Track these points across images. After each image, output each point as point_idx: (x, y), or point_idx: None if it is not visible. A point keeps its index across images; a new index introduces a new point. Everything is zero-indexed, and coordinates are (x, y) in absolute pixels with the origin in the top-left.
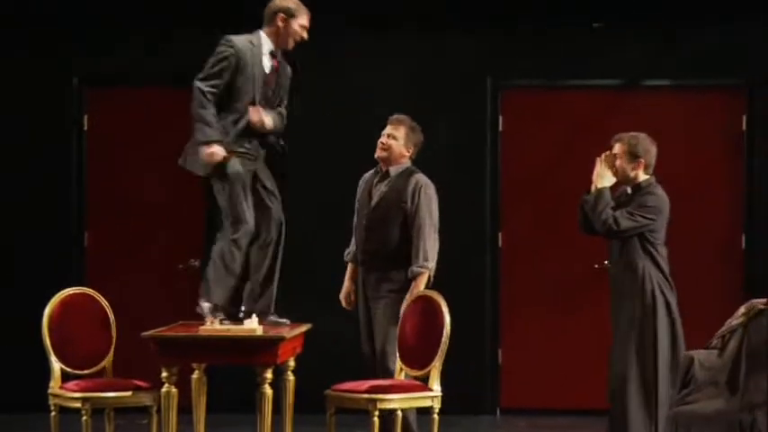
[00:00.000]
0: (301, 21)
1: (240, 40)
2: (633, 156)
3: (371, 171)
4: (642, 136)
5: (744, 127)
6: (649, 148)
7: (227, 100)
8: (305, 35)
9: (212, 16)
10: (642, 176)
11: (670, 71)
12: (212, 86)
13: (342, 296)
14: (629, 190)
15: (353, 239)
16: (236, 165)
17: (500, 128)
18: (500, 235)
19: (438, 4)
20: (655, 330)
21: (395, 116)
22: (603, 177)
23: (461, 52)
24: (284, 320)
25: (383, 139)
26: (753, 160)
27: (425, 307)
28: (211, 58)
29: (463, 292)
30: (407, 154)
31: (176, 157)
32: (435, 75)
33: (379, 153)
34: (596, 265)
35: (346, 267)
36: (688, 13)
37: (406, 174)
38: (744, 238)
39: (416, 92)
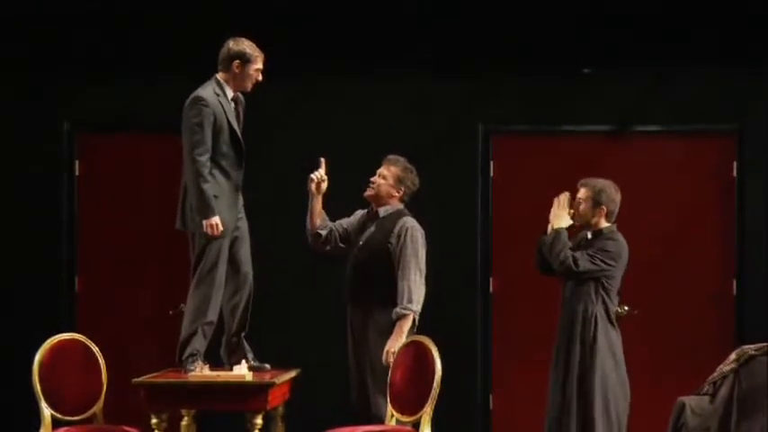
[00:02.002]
0: (257, 65)
1: (209, 95)
2: (596, 203)
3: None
4: (608, 184)
5: (734, 173)
6: (614, 197)
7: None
8: (260, 78)
9: (205, 63)
10: (604, 223)
11: (660, 117)
12: (204, 154)
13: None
14: (588, 235)
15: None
16: (223, 246)
17: (491, 173)
18: (491, 280)
19: (427, 49)
20: (593, 377)
21: (390, 156)
22: (560, 218)
23: (451, 98)
24: (265, 365)
25: (373, 177)
26: (744, 206)
27: (416, 352)
28: (192, 120)
29: (454, 337)
30: (397, 195)
31: (168, 201)
32: (425, 120)
33: (367, 192)
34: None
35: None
36: (678, 59)
37: (395, 215)
38: (735, 283)
39: (406, 137)
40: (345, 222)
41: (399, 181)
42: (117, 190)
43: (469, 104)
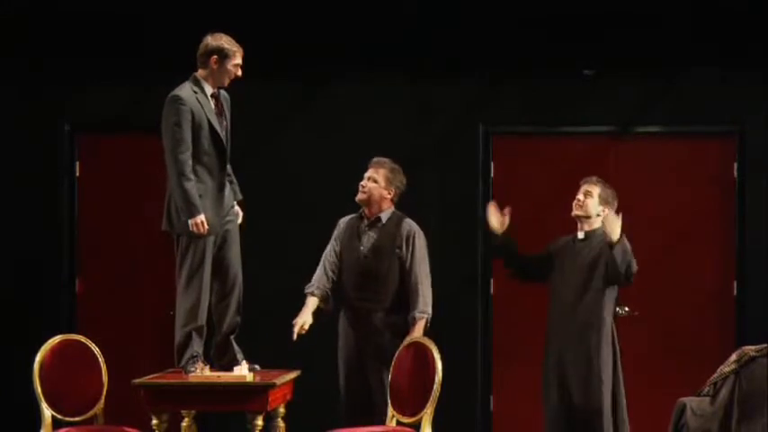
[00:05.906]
0: (235, 60)
1: (187, 94)
2: (605, 202)
3: (354, 216)
4: (610, 187)
5: (735, 173)
6: (615, 201)
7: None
8: (239, 73)
9: None
10: (598, 224)
11: (661, 118)
12: (185, 152)
13: (298, 324)
14: (580, 235)
15: (320, 274)
16: (207, 247)
17: (491, 174)
18: (492, 281)
19: (428, 50)
20: (601, 355)
21: (375, 159)
22: (618, 227)
23: (452, 99)
24: (255, 366)
25: (363, 182)
26: (744, 207)
27: (417, 353)
28: (170, 120)
29: (455, 338)
30: (388, 196)
31: None
32: (426, 121)
33: (359, 196)
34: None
35: (306, 298)
36: (679, 60)
37: (396, 219)
38: (735, 284)
39: (407, 139)
40: (329, 269)
41: (389, 182)
42: (117, 191)
43: (470, 105)
